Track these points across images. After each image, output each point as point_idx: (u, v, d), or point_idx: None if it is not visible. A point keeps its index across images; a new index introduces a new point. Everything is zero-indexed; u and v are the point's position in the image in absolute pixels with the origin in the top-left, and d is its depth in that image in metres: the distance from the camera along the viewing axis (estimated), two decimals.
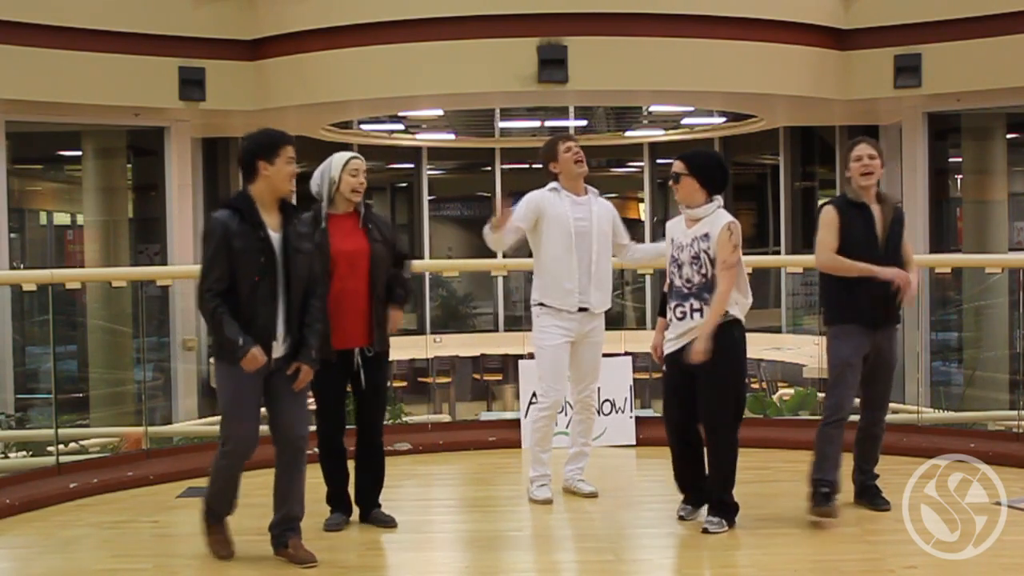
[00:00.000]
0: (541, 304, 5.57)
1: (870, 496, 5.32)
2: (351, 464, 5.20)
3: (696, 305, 5.03)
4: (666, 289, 5.25)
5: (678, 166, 5.20)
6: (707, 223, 5.08)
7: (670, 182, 5.31)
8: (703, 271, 5.03)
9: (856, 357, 5.13)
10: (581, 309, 5.51)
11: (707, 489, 5.13)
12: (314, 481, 5.22)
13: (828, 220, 5.17)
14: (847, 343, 5.13)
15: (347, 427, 5.20)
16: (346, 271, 4.99)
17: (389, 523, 5.15)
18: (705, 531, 4.99)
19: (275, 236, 4.52)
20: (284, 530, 4.66)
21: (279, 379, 4.59)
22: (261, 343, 4.45)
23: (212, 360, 4.70)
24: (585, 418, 5.73)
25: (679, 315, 5.09)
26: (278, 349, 4.54)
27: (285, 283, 4.51)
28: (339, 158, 5.12)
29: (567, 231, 5.48)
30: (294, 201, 4.66)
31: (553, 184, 5.59)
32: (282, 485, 4.66)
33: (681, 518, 5.21)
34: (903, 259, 5.19)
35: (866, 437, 5.34)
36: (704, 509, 5.15)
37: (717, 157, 5.48)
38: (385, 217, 5.27)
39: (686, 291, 5.07)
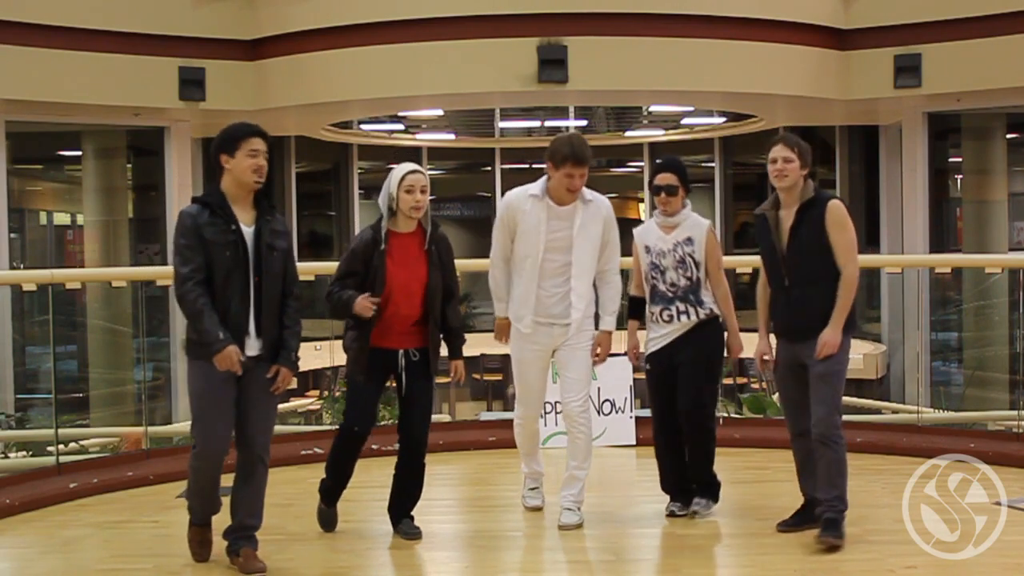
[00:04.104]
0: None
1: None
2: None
3: (682, 308, 5.17)
4: (634, 292, 5.38)
5: (671, 179, 5.17)
6: (686, 228, 5.20)
7: (662, 194, 5.18)
8: (688, 274, 5.17)
9: (778, 372, 4.91)
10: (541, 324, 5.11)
11: (690, 477, 5.25)
12: (314, 484, 5.23)
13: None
14: (778, 356, 4.91)
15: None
16: (401, 299, 4.86)
17: (412, 535, 4.99)
18: (695, 514, 5.20)
19: (247, 230, 4.41)
20: (237, 538, 4.56)
21: (253, 382, 4.46)
22: (234, 340, 4.33)
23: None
24: (573, 436, 5.15)
25: (666, 318, 5.20)
26: (251, 347, 4.42)
27: (256, 279, 4.39)
28: (397, 172, 4.86)
29: (536, 247, 5.03)
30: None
31: (538, 187, 5.08)
32: (238, 492, 4.55)
33: (672, 514, 5.26)
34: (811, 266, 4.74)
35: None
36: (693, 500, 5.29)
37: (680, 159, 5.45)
38: (448, 241, 5.03)
39: (671, 295, 5.19)
